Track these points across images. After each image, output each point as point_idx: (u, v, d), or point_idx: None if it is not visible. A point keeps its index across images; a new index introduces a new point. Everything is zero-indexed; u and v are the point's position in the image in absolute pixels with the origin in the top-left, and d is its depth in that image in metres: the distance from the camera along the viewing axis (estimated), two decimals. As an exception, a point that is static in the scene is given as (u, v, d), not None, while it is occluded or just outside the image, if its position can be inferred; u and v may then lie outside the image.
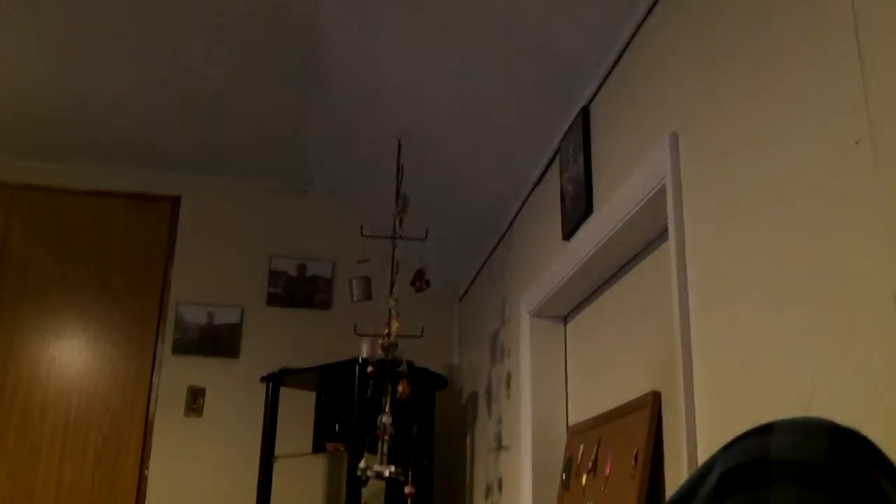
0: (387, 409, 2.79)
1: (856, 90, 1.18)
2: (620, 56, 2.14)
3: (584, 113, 2.36)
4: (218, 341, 4.06)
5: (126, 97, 3.51)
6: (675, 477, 1.84)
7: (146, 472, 3.89)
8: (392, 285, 2.87)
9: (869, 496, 0.63)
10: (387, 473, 2.73)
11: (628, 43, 2.09)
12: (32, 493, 3.81)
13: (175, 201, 4.25)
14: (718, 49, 1.62)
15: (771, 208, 1.39)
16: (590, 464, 2.23)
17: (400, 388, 2.80)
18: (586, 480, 2.24)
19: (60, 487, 3.84)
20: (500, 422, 3.20)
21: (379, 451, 2.78)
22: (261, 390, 3.69)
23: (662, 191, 1.80)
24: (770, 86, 1.42)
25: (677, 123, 1.78)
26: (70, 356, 4.01)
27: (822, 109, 1.27)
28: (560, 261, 2.51)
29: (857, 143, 1.17)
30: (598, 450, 2.20)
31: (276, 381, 3.66)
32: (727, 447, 0.72)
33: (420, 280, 2.96)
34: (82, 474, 3.87)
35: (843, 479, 0.63)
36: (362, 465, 2.79)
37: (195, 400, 3.98)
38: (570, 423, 2.68)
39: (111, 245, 4.17)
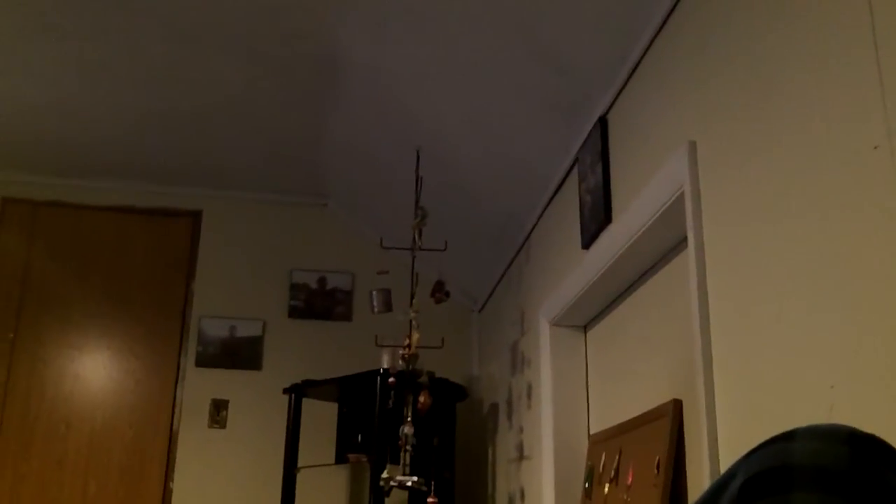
0: (408, 420, 2.80)
1: (874, 95, 1.18)
2: (637, 65, 2.15)
3: (602, 123, 2.37)
4: (240, 354, 4.09)
5: (146, 115, 3.56)
6: (697, 485, 1.83)
7: (171, 484, 3.92)
8: (412, 296, 2.88)
9: (889, 502, 0.64)
10: (409, 484, 2.74)
11: (644, 52, 2.09)
12: (58, 506, 3.84)
13: (196, 216, 4.30)
14: (735, 56, 1.63)
15: (789, 215, 1.40)
16: (612, 472, 2.22)
17: (421, 399, 2.81)
18: (608, 489, 2.23)
19: (86, 501, 3.87)
20: (521, 432, 3.20)
21: (401, 462, 2.78)
22: (283, 402, 3.72)
23: (681, 199, 1.81)
24: (787, 92, 1.43)
25: (695, 132, 1.78)
26: (93, 371, 4.05)
27: (840, 115, 1.27)
28: (579, 270, 2.52)
29: (875, 148, 1.17)
30: (619, 458, 2.20)
31: (298, 392, 3.68)
32: (749, 455, 0.73)
33: (439, 291, 2.97)
34: (107, 489, 3.90)
35: (864, 484, 0.64)
36: (385, 475, 2.80)
37: (218, 412, 4.01)
38: (592, 431, 2.68)
39: (133, 260, 4.21)
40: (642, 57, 2.11)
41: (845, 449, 0.67)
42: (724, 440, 1.58)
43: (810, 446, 0.69)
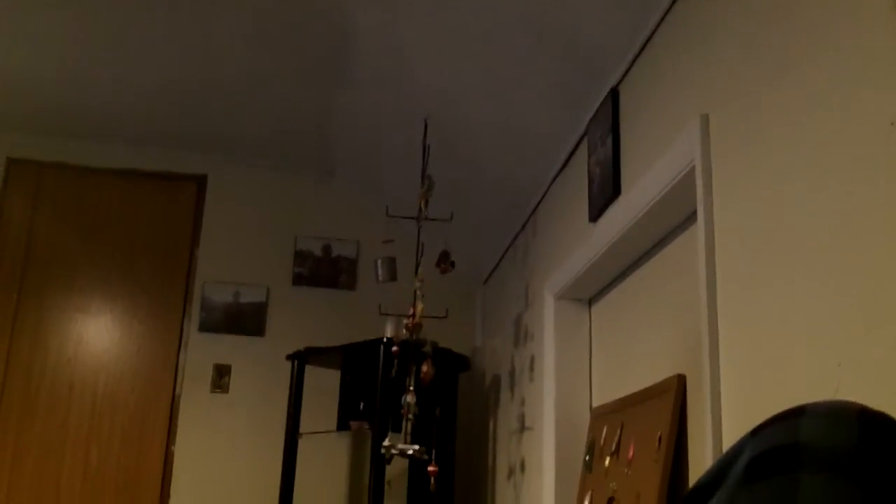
0: (410, 389, 2.80)
1: (891, 71, 1.16)
2: (650, 37, 2.12)
3: (614, 94, 2.34)
4: (243, 320, 4.10)
5: (155, 82, 3.54)
6: (699, 461, 1.83)
7: (172, 448, 3.94)
8: (417, 266, 2.87)
9: (898, 483, 0.63)
10: (410, 452, 2.75)
11: (658, 24, 2.07)
12: (60, 472, 3.86)
13: (201, 180, 4.28)
14: (750, 29, 1.60)
15: (801, 191, 1.38)
16: (613, 446, 2.22)
17: (424, 369, 2.80)
18: (609, 463, 2.24)
19: (88, 466, 3.89)
20: (523, 404, 3.20)
21: (403, 430, 2.79)
22: (286, 368, 3.72)
23: (692, 173, 1.79)
24: (802, 66, 1.40)
25: (708, 105, 1.76)
26: (97, 335, 4.05)
27: (856, 90, 1.25)
28: (586, 243, 2.50)
29: (892, 124, 1.15)
30: (621, 432, 2.20)
31: (302, 359, 3.69)
32: (756, 431, 0.72)
33: (445, 262, 2.95)
34: (109, 452, 3.92)
35: (873, 465, 0.63)
36: (386, 443, 2.81)
37: (221, 377, 4.02)
38: (594, 405, 2.68)
39: (138, 224, 4.20)
40: (656, 28, 2.08)
41: (855, 428, 0.66)
42: (727, 417, 1.57)
43: (818, 424, 0.68)
